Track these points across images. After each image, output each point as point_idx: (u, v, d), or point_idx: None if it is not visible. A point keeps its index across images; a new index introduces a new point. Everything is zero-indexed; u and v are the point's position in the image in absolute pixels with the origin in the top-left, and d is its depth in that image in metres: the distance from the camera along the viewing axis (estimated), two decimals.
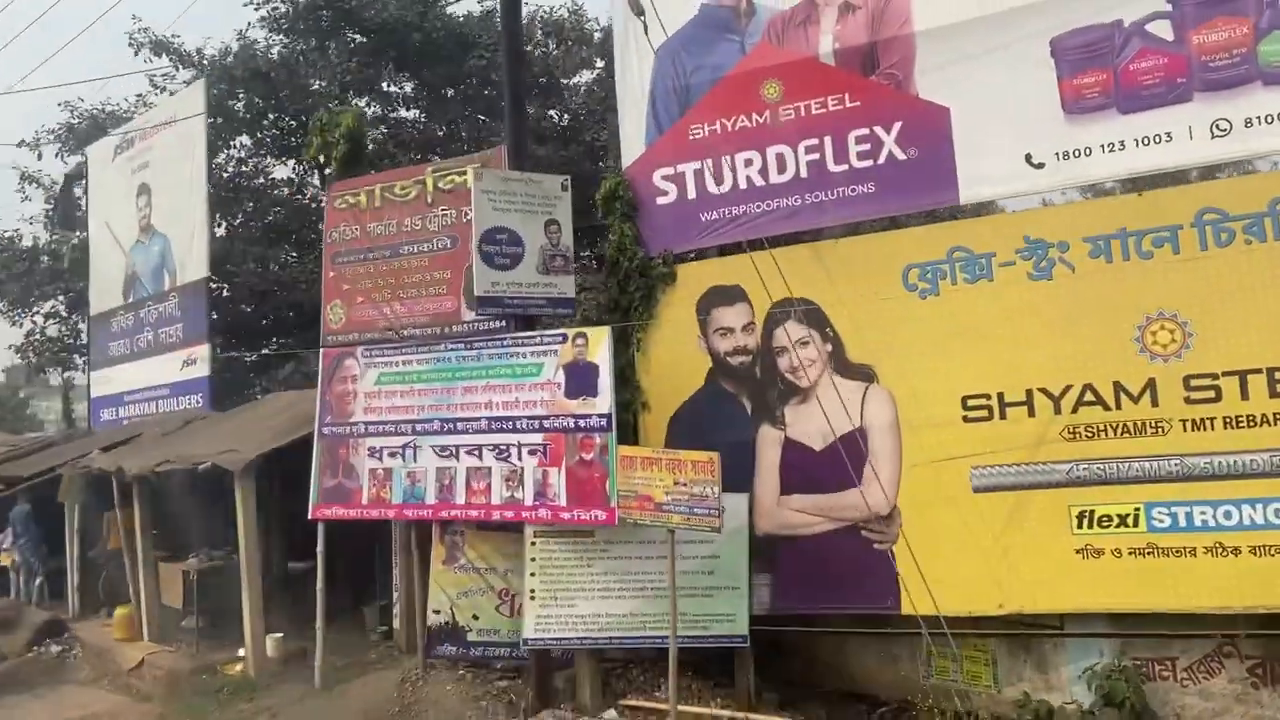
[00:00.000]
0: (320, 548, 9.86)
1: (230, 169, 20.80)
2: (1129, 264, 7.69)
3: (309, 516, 9.74)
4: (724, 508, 7.63)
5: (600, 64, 20.04)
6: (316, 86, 19.47)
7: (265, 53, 19.79)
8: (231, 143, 20.64)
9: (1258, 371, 7.27)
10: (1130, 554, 7.63)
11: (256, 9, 19.37)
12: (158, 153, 17.15)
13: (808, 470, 8.80)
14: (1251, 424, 7.28)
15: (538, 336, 8.80)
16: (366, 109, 20.24)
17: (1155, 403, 7.58)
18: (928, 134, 8.40)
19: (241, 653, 10.82)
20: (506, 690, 8.83)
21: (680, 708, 7.97)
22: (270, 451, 10.39)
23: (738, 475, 8.47)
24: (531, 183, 8.95)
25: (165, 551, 12.67)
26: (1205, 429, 7.43)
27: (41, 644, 13.23)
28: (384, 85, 20.72)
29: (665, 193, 9.55)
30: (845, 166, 8.75)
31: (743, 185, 9.17)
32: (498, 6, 19.26)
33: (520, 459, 8.66)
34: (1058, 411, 7.87)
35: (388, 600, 11.86)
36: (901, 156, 8.52)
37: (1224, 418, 7.36)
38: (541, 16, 20.52)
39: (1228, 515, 7.36)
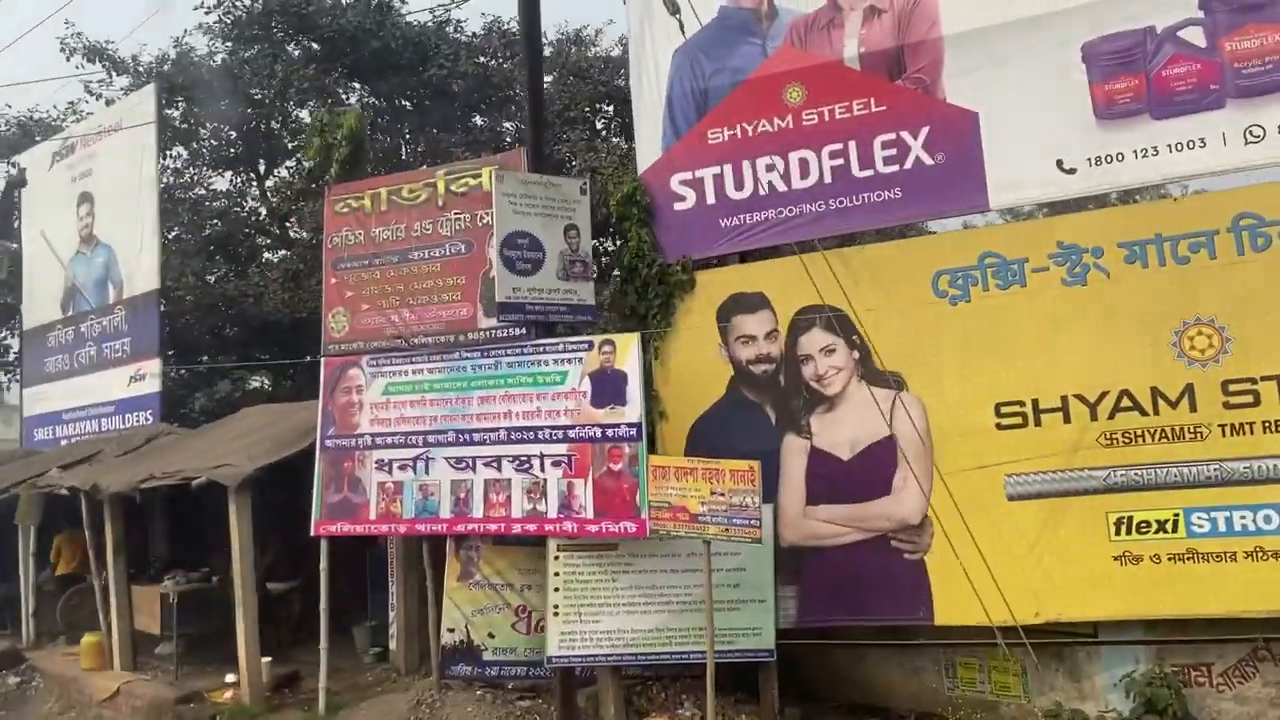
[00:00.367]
0: (324, 564, 9.43)
1: (166, 179, 19.94)
2: (1164, 269, 7.71)
3: (312, 533, 9.28)
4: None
5: (549, 78, 19.63)
6: (259, 96, 18.84)
7: (206, 60, 19.10)
8: (168, 153, 19.76)
9: None
10: (1169, 559, 7.61)
11: (208, 12, 18.77)
12: (102, 160, 16.46)
13: (835, 480, 8.65)
14: None
15: (561, 343, 8.54)
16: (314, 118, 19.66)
17: (1193, 408, 7.58)
18: (956, 138, 8.34)
19: (230, 678, 10.30)
20: (530, 710, 8.50)
21: None
22: (265, 466, 9.88)
23: (762, 485, 8.26)
24: (551, 185, 8.71)
25: (130, 573, 12.03)
26: (1244, 433, 7.45)
27: None
28: (343, 95, 20.14)
29: (683, 198, 9.35)
30: (871, 171, 8.65)
31: (764, 190, 9.01)
32: (449, 17, 19.37)
33: (543, 470, 8.36)
34: (1094, 418, 7.83)
35: (379, 620, 11.46)
36: (929, 161, 8.44)
37: (1263, 422, 7.39)
38: (497, 29, 20.14)
39: (1267, 519, 7.39)
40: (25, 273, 18.10)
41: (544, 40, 19.70)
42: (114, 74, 19.40)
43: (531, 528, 8.39)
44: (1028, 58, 8.14)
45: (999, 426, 8.11)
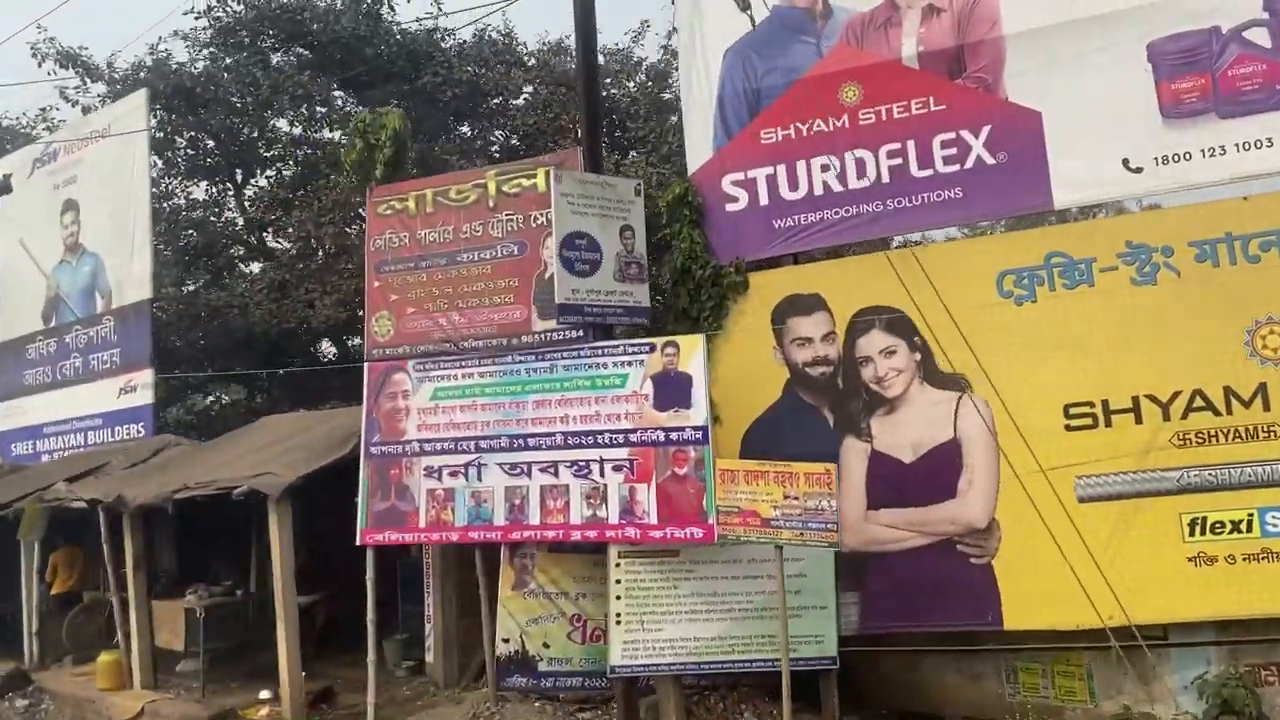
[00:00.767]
0: (370, 575, 9.13)
1: None
2: (1235, 268, 7.70)
3: (358, 542, 9.01)
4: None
5: (528, 89, 19.47)
6: (240, 104, 18.52)
7: (187, 67, 18.71)
8: None
9: None
10: (1244, 559, 7.58)
11: (198, 17, 18.44)
12: (88, 167, 16.05)
13: (897, 483, 8.53)
14: None
15: (622, 346, 8.35)
16: (293, 128, 19.51)
17: (1266, 407, 7.57)
18: (1018, 137, 8.30)
19: (264, 694, 9.99)
20: None
21: None
22: (306, 475, 9.58)
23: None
24: (607, 186, 8.56)
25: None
26: None
27: (3, 698, 12.00)
28: (338, 102, 19.83)
29: (735, 199, 9.23)
30: (930, 171, 8.58)
31: (819, 191, 8.92)
32: (438, 25, 19.13)
33: (603, 475, 8.17)
34: (1166, 418, 7.79)
35: (411, 633, 11.17)
36: (990, 161, 8.39)
37: None
38: (488, 39, 19.94)
39: None
40: (1, 283, 17.53)
41: (526, 50, 19.80)
42: (88, 80, 19.00)
43: (592, 534, 8.19)
44: (1092, 57, 8.14)
45: (1068, 428, 8.04)
